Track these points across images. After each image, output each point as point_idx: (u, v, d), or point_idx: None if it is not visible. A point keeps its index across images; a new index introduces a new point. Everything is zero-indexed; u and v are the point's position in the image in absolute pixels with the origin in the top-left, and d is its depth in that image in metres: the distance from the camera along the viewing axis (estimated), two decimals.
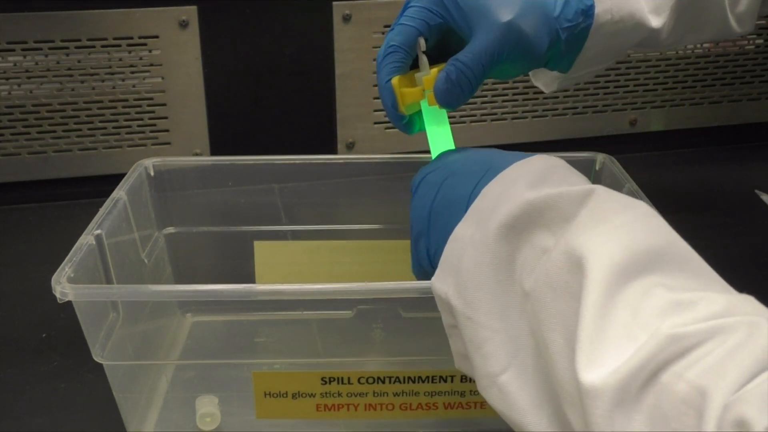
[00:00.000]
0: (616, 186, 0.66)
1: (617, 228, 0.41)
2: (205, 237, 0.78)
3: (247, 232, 0.77)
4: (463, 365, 0.49)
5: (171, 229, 0.77)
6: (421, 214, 0.53)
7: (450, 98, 0.59)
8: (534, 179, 0.46)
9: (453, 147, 0.60)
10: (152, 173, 0.75)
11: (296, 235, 0.78)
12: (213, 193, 0.77)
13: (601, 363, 0.37)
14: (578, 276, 0.40)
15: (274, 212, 0.77)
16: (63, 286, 0.54)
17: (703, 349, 0.35)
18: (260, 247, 0.74)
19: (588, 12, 0.64)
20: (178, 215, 0.77)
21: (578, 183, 0.47)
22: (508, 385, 0.44)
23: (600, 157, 0.72)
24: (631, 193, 0.65)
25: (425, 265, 0.53)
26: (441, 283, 0.48)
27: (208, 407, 0.63)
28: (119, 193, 0.68)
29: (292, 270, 0.74)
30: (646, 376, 0.36)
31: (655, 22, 0.67)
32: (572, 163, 0.52)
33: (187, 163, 0.77)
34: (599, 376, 0.36)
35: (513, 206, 0.45)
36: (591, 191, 0.44)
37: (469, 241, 0.47)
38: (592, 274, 0.39)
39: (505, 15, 0.59)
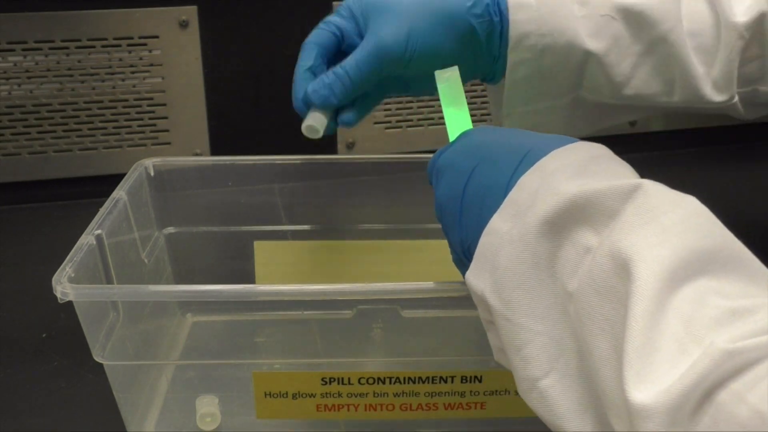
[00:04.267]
0: None
1: (666, 228, 0.38)
2: (205, 237, 0.78)
3: (247, 232, 0.77)
4: (502, 359, 0.47)
5: (171, 229, 0.77)
6: (452, 204, 0.50)
7: (317, 98, 0.62)
8: (575, 171, 0.44)
9: (471, 128, 0.57)
10: (152, 173, 0.75)
11: (296, 235, 0.78)
12: (213, 193, 0.77)
13: (651, 380, 0.34)
14: (625, 281, 0.37)
15: (274, 212, 0.77)
16: (64, 286, 0.54)
17: (763, 367, 0.33)
18: (260, 247, 0.74)
19: (499, 7, 0.64)
20: (178, 215, 0.77)
21: (623, 175, 0.44)
22: (549, 390, 0.42)
23: None
24: None
25: (461, 257, 0.50)
26: (476, 279, 0.46)
27: (208, 407, 0.63)
28: (119, 193, 0.68)
29: (292, 270, 0.74)
30: (701, 396, 0.33)
31: (593, 44, 0.65)
32: None
33: (187, 163, 0.77)
34: (650, 395, 0.34)
35: (553, 202, 0.42)
36: (637, 186, 0.41)
37: (506, 236, 0.44)
38: (640, 280, 0.36)
39: (392, 17, 0.61)
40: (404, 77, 0.65)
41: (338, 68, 0.62)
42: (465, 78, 0.64)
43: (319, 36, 0.64)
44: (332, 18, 0.65)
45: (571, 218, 0.42)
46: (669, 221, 0.39)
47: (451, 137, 0.56)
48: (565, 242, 0.42)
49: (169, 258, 0.77)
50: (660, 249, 0.37)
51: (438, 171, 0.53)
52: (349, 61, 0.62)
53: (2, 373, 0.72)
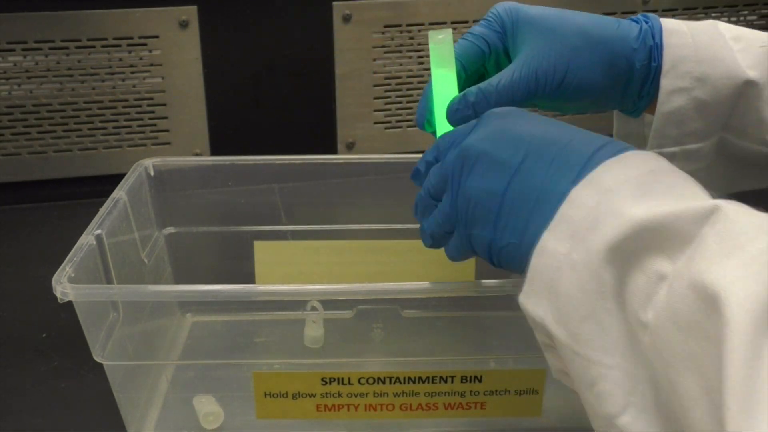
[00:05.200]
0: None
1: (754, 258, 0.35)
2: (205, 237, 0.78)
3: (247, 232, 0.77)
4: (565, 380, 0.45)
5: (171, 229, 0.77)
6: (489, 200, 0.46)
7: (456, 119, 0.56)
8: (637, 188, 0.41)
9: (456, 94, 0.56)
10: (152, 173, 0.75)
11: (296, 235, 0.78)
12: (213, 193, 0.77)
13: None
14: (714, 319, 0.34)
15: (274, 212, 0.78)
16: (64, 286, 0.54)
17: None
18: (260, 247, 0.74)
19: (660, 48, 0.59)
20: (178, 215, 0.77)
21: (692, 194, 0.41)
22: (629, 427, 0.39)
23: None
24: None
25: (475, 251, 0.48)
26: (533, 305, 0.43)
27: (209, 406, 0.63)
28: (119, 193, 0.68)
29: (292, 270, 0.74)
30: None
31: (753, 74, 0.60)
32: None
33: (187, 163, 0.77)
34: None
35: (620, 226, 0.39)
36: (714, 208, 0.38)
37: (565, 260, 0.41)
38: (733, 320, 0.33)
39: (553, 46, 0.57)
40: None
41: (488, 86, 0.56)
42: (605, 109, 0.62)
43: (463, 48, 0.59)
44: (478, 29, 0.60)
45: (640, 244, 0.39)
46: (756, 250, 0.36)
47: (436, 98, 0.55)
48: (633, 269, 0.40)
49: (169, 258, 0.77)
50: (750, 284, 0.34)
51: (467, 156, 0.48)
52: (502, 82, 0.57)
53: (2, 373, 0.72)
